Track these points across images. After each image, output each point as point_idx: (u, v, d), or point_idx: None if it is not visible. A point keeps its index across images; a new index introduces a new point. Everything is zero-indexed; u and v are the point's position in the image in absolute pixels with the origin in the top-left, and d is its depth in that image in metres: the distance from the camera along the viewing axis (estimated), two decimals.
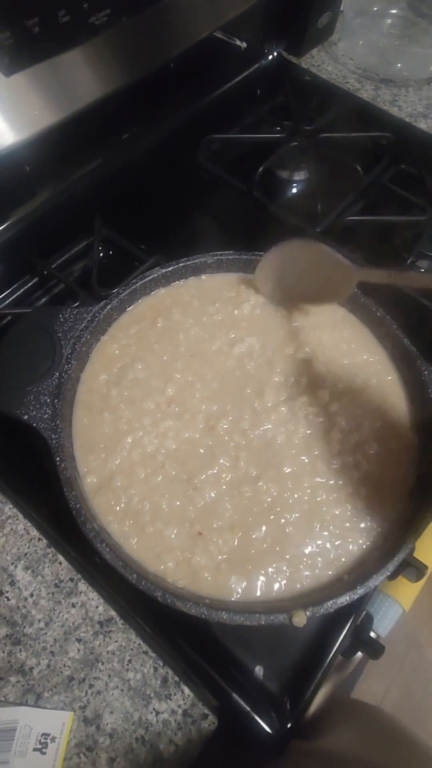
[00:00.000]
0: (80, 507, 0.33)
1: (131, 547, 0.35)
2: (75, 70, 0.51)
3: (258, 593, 0.34)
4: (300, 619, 0.30)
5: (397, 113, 0.73)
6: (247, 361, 0.43)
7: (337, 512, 0.37)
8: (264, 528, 0.36)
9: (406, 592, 0.55)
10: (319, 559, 0.35)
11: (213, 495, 0.37)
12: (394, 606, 0.55)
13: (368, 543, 0.36)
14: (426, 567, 0.49)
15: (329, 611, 0.31)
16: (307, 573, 0.35)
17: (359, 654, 0.52)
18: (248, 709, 0.38)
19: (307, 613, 0.31)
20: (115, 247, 0.59)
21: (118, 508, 0.36)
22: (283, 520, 0.36)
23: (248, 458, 0.39)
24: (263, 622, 0.31)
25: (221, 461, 0.38)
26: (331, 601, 0.31)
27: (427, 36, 0.81)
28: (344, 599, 0.31)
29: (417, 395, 0.40)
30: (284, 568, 0.35)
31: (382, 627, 0.55)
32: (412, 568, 0.49)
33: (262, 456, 0.39)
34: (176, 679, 0.41)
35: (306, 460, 0.39)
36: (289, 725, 0.38)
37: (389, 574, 0.32)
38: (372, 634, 0.54)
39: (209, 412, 0.40)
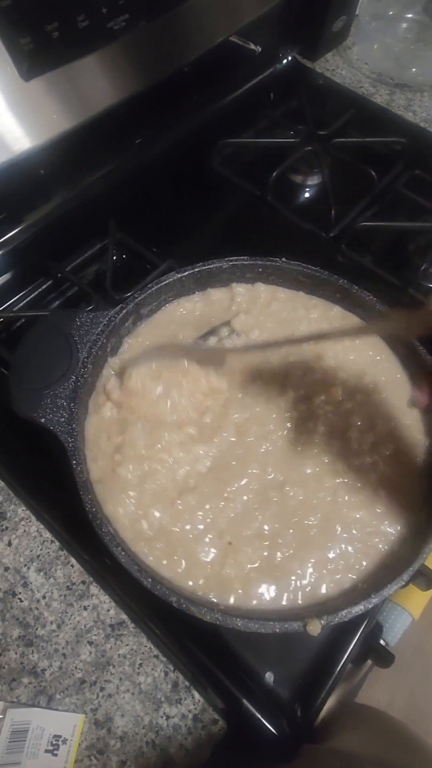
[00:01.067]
0: (96, 510, 0.33)
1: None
2: (92, 76, 0.51)
3: (284, 601, 0.34)
4: (315, 627, 0.30)
5: (411, 118, 0.73)
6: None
7: (357, 515, 0.37)
8: (291, 532, 0.36)
9: (415, 601, 0.55)
10: (342, 563, 0.36)
11: (242, 504, 0.38)
12: (404, 614, 0.55)
13: (386, 547, 0.36)
14: None
15: (344, 620, 0.31)
16: (331, 578, 0.35)
17: (368, 662, 0.52)
18: (258, 715, 0.38)
19: (322, 621, 0.31)
20: (128, 251, 0.59)
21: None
22: (307, 522, 0.37)
23: (275, 463, 0.39)
24: (278, 630, 0.31)
25: (250, 471, 0.39)
26: (346, 610, 0.31)
27: None
28: (359, 608, 0.31)
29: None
30: (310, 571, 0.35)
31: (391, 636, 0.55)
32: (422, 576, 0.49)
33: (288, 458, 0.39)
34: (187, 683, 0.41)
35: (326, 460, 0.39)
36: (299, 731, 0.38)
37: (404, 583, 0.32)
38: (381, 642, 0.54)
39: (238, 420, 0.41)
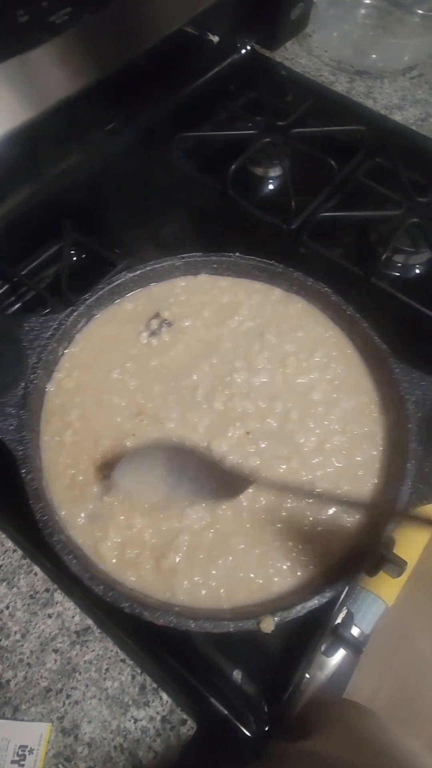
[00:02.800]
0: (47, 519, 0.33)
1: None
2: (43, 68, 0.50)
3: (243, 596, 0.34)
4: (268, 624, 0.30)
5: (372, 105, 0.73)
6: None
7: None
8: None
9: (388, 588, 0.55)
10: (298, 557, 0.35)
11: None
12: (377, 602, 0.55)
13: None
14: (405, 563, 0.49)
15: (299, 615, 0.31)
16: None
17: (342, 652, 0.52)
18: (226, 713, 0.38)
19: (276, 618, 0.31)
20: (87, 251, 0.58)
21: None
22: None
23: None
24: (231, 629, 0.31)
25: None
26: (299, 606, 0.31)
27: (402, 26, 0.80)
28: (313, 603, 0.31)
29: (388, 394, 0.40)
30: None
31: (365, 623, 0.55)
32: (392, 564, 0.49)
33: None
34: (154, 685, 0.40)
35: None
36: (267, 728, 0.38)
37: (359, 575, 0.32)
38: (356, 630, 0.54)
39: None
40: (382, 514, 0.35)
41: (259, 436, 0.39)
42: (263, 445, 0.39)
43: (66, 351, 0.41)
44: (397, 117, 0.72)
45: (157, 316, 0.43)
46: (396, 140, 0.67)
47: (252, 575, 0.35)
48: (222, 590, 0.34)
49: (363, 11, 0.81)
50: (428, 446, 0.36)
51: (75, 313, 0.41)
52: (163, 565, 0.35)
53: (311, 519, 0.36)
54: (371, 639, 1.14)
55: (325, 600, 0.31)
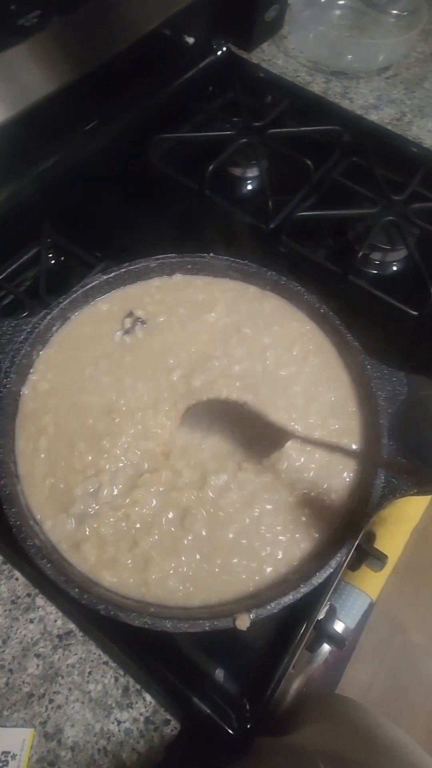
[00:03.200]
0: (20, 524, 0.33)
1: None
2: (14, 70, 0.50)
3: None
4: (243, 622, 0.31)
5: (348, 106, 0.73)
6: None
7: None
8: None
9: (371, 582, 0.56)
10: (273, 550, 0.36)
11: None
12: (361, 596, 0.56)
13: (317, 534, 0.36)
14: (386, 557, 0.50)
15: (273, 612, 0.31)
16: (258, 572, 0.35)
17: (327, 647, 0.53)
18: (209, 712, 0.39)
19: (251, 615, 0.31)
20: (66, 253, 0.58)
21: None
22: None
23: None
24: (207, 628, 0.31)
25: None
26: (274, 603, 0.31)
27: (377, 26, 0.81)
28: (288, 599, 0.31)
29: (361, 390, 0.41)
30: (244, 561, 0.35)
31: (350, 618, 0.56)
32: (373, 558, 0.50)
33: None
34: (138, 687, 0.40)
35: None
36: (249, 726, 0.38)
37: (332, 570, 0.33)
38: (340, 625, 0.55)
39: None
40: (356, 511, 0.36)
41: None
42: None
43: (41, 353, 0.41)
44: (373, 117, 0.72)
45: (130, 314, 0.43)
46: (372, 140, 0.68)
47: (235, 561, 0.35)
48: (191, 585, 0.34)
49: (338, 12, 0.81)
50: (399, 441, 0.36)
51: (49, 317, 0.40)
52: (137, 552, 0.35)
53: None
54: (365, 633, 1.16)
55: (300, 595, 0.32)
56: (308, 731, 0.47)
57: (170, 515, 0.37)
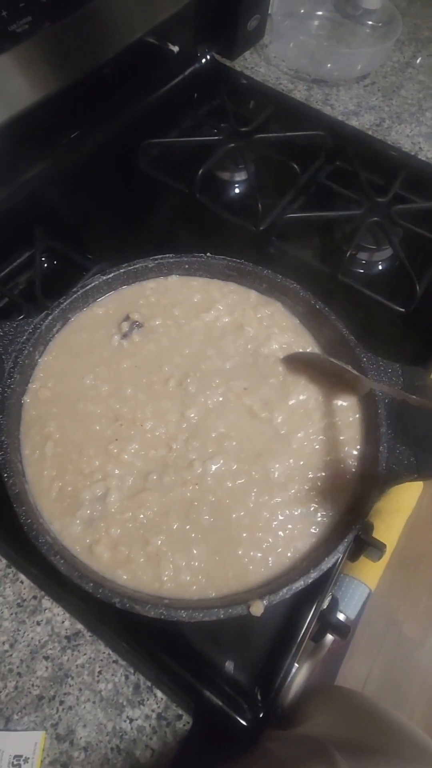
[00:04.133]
0: (31, 522, 0.33)
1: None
2: (4, 76, 0.50)
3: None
4: (257, 608, 0.31)
5: (330, 112, 0.76)
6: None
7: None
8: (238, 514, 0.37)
9: (370, 573, 0.58)
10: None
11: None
12: (361, 587, 0.58)
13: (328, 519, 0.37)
14: (384, 546, 0.51)
15: (285, 597, 0.32)
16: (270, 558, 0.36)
17: (330, 638, 0.54)
18: (220, 704, 0.39)
19: (264, 602, 0.32)
20: (60, 257, 0.58)
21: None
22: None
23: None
24: (222, 616, 0.31)
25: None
26: (285, 588, 0.32)
27: (354, 36, 0.84)
28: (299, 584, 0.32)
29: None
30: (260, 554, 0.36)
31: (350, 608, 0.57)
32: (372, 548, 0.51)
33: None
34: (148, 684, 0.41)
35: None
36: (261, 715, 0.39)
37: (341, 555, 0.34)
38: (341, 616, 0.56)
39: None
40: (360, 498, 0.37)
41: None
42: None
43: (40, 360, 0.41)
44: (354, 122, 0.75)
45: (127, 318, 0.44)
46: (354, 144, 0.70)
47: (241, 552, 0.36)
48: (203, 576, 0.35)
49: (316, 23, 0.84)
50: (397, 430, 0.38)
51: (50, 317, 0.41)
52: (149, 551, 0.35)
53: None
54: (360, 627, 1.18)
55: (310, 580, 0.33)
56: (315, 722, 0.47)
57: (176, 513, 0.37)
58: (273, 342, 0.44)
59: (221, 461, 0.39)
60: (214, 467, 0.39)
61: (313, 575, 0.32)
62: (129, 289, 0.46)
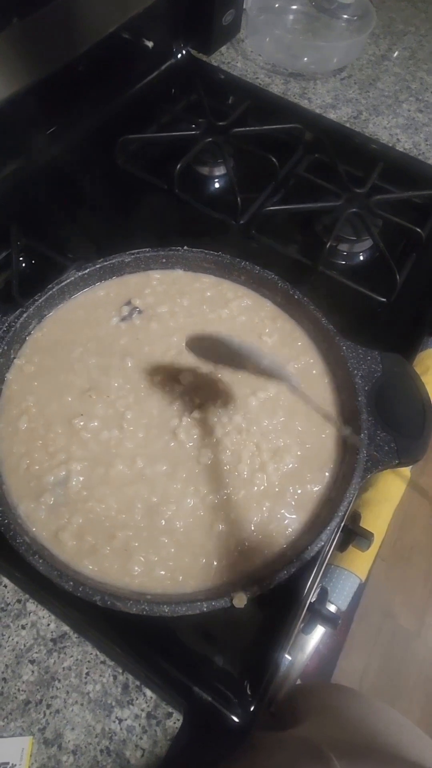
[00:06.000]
0: (8, 522, 0.32)
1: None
2: None
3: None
4: (240, 600, 0.31)
5: (307, 105, 0.76)
6: None
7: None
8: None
9: (359, 563, 0.57)
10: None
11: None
12: (351, 577, 0.57)
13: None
14: (372, 535, 0.51)
15: (269, 588, 0.32)
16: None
17: (321, 630, 0.54)
18: (210, 699, 0.38)
19: (247, 594, 0.31)
20: (39, 256, 0.57)
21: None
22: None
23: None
24: (205, 609, 0.31)
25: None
26: (269, 579, 0.31)
27: (330, 30, 0.84)
28: (281, 575, 0.32)
29: (338, 371, 0.42)
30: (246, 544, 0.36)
31: (341, 599, 0.56)
32: (360, 537, 0.51)
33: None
34: (137, 683, 0.40)
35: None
36: (252, 708, 0.39)
37: (323, 544, 0.34)
38: (332, 607, 0.56)
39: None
40: (342, 486, 0.37)
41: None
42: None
43: (28, 337, 0.41)
44: (332, 115, 0.75)
45: (129, 303, 0.44)
46: (331, 137, 0.70)
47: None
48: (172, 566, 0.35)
49: (291, 17, 0.84)
50: (377, 417, 0.38)
51: (25, 315, 0.40)
52: (115, 544, 0.35)
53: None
54: (356, 620, 1.18)
55: (293, 569, 0.32)
56: (309, 724, 0.47)
57: (139, 505, 0.37)
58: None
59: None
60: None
61: (296, 565, 0.32)
62: (134, 276, 0.46)
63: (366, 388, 0.39)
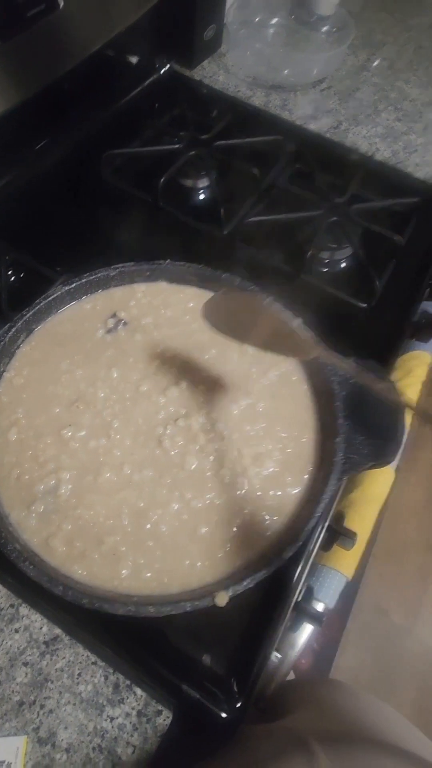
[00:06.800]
0: (0, 530, 0.34)
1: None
2: None
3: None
4: (222, 599, 0.33)
5: (288, 117, 0.78)
6: None
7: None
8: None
9: (345, 561, 0.59)
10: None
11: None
12: (337, 576, 0.59)
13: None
14: (355, 534, 0.53)
15: (249, 587, 0.34)
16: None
17: (309, 627, 0.55)
18: (198, 696, 0.40)
19: (229, 592, 0.33)
20: (27, 270, 0.59)
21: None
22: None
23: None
24: (189, 609, 0.32)
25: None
26: (249, 578, 0.33)
27: (310, 42, 0.87)
28: (261, 574, 0.33)
29: (316, 378, 0.44)
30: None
31: (328, 598, 0.58)
32: (344, 537, 0.53)
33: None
34: (128, 682, 0.42)
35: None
36: (239, 705, 0.40)
37: (300, 543, 0.35)
38: (320, 605, 0.58)
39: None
40: (320, 487, 0.38)
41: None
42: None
43: (17, 350, 0.43)
44: (312, 126, 0.77)
45: (114, 315, 0.45)
46: (312, 147, 0.72)
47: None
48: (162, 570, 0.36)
49: (272, 30, 0.87)
50: (354, 421, 0.40)
51: (13, 329, 0.42)
52: (103, 549, 0.36)
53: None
54: (350, 618, 1.19)
55: (273, 569, 0.34)
56: (299, 715, 0.49)
57: (126, 511, 0.38)
58: None
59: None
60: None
61: (275, 565, 0.34)
62: (119, 290, 0.47)
63: (342, 393, 0.41)
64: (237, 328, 0.38)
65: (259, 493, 0.39)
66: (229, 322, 0.38)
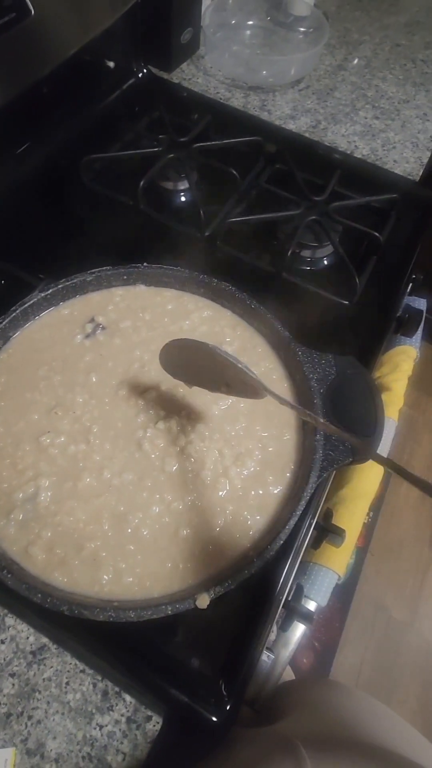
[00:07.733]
0: None
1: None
2: None
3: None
4: (203, 601, 0.32)
5: (267, 117, 0.78)
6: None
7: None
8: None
9: (336, 559, 0.59)
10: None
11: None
12: (329, 574, 0.59)
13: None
14: (344, 531, 0.53)
15: (231, 588, 0.33)
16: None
17: (301, 627, 0.55)
18: (187, 700, 0.40)
19: (210, 594, 0.33)
20: (7, 276, 0.59)
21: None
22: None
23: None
24: (170, 612, 0.32)
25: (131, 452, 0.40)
26: (231, 579, 0.33)
27: (287, 43, 0.87)
28: (243, 575, 0.33)
29: (296, 375, 0.44)
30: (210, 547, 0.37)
31: (320, 596, 0.58)
32: (333, 534, 0.53)
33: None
34: (117, 689, 0.41)
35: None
36: (228, 708, 0.40)
37: (281, 542, 0.35)
38: (312, 604, 0.57)
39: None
40: (300, 485, 0.38)
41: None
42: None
43: None
44: (291, 126, 0.78)
45: (92, 320, 0.45)
46: (292, 147, 0.72)
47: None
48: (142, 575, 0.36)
49: (249, 32, 0.87)
50: (333, 417, 0.39)
51: None
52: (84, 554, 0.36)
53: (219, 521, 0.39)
54: (350, 616, 1.19)
55: (254, 569, 0.34)
56: (289, 719, 0.48)
57: (106, 515, 0.38)
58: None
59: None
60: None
61: (257, 565, 0.34)
62: (97, 294, 0.47)
63: (321, 391, 0.41)
64: (190, 374, 0.39)
65: (240, 493, 0.39)
66: (183, 369, 0.39)
